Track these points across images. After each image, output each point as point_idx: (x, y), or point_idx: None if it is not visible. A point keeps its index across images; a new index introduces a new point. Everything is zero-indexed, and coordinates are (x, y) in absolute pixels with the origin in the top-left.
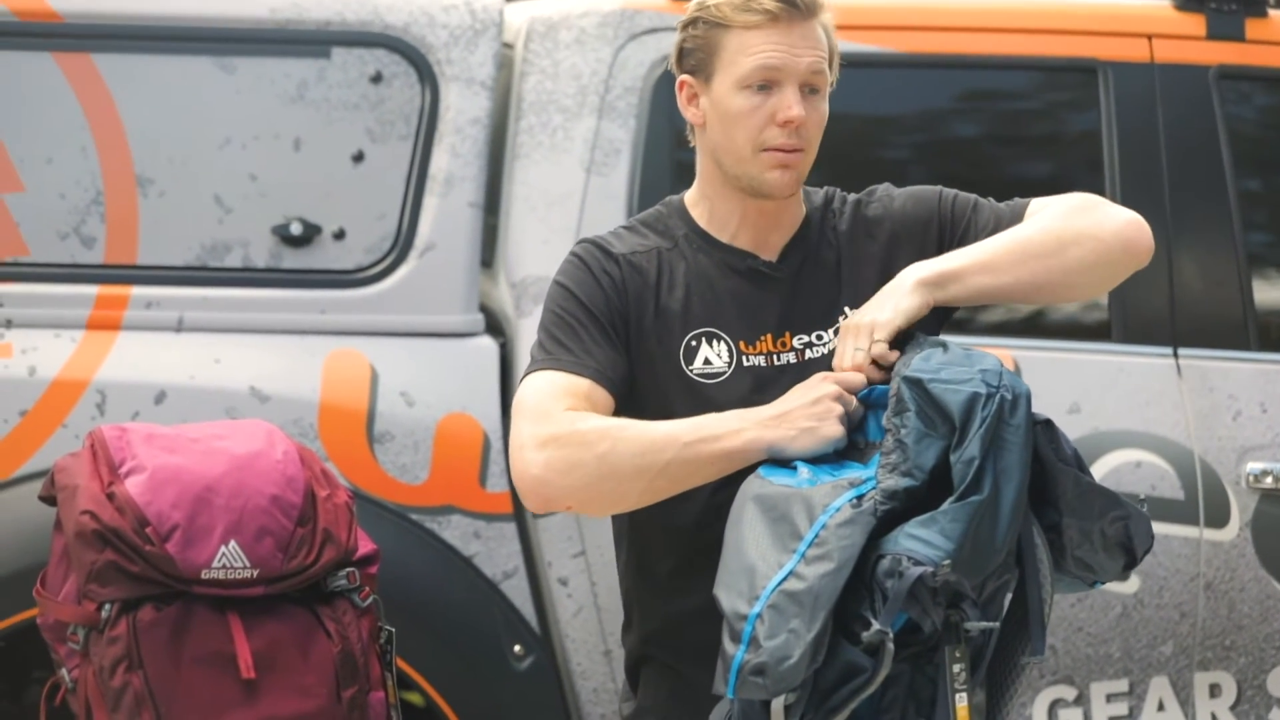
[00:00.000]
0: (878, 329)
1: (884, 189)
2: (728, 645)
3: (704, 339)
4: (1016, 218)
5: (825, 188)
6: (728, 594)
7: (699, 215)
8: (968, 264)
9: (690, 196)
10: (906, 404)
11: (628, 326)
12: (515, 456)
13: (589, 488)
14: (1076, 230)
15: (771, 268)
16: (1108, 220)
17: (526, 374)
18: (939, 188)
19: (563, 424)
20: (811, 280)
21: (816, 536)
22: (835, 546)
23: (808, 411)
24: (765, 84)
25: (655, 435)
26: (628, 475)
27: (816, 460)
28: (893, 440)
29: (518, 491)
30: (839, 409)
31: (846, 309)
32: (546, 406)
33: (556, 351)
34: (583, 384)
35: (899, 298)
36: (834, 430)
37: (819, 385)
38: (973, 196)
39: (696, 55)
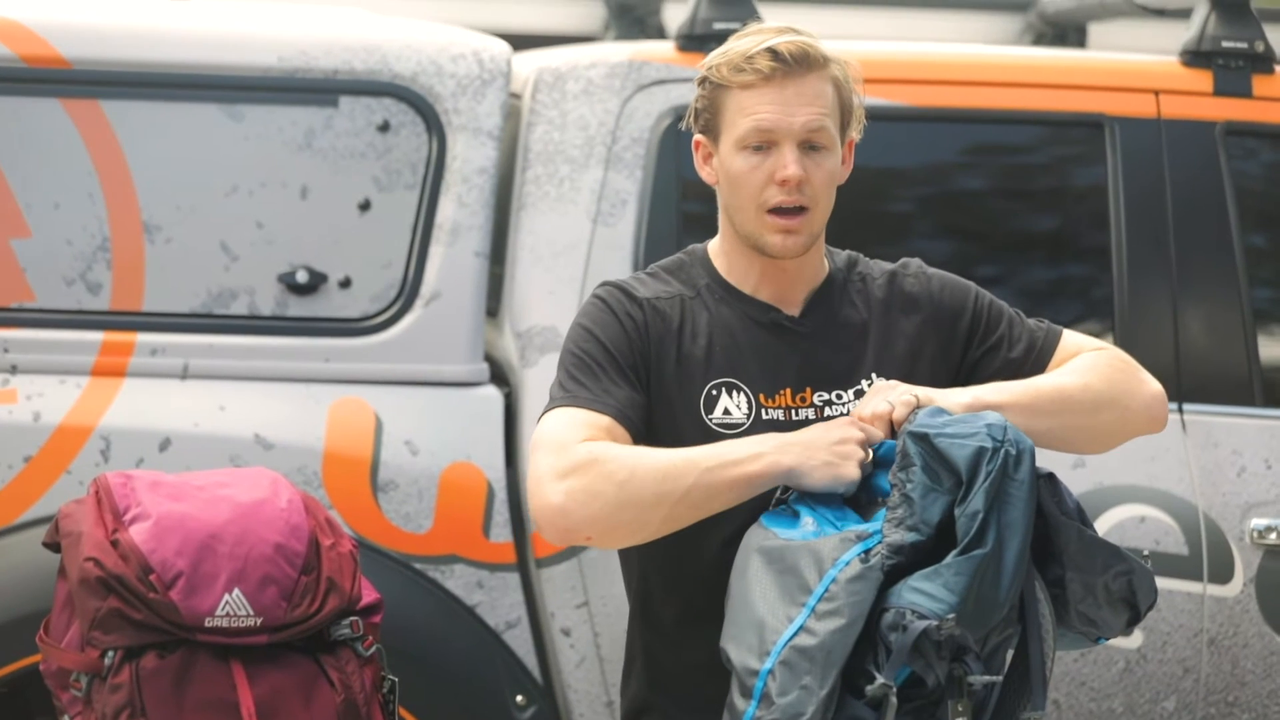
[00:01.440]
0: (910, 395)
1: (917, 264)
2: (738, 700)
3: (724, 389)
4: (1049, 346)
5: (848, 251)
6: (737, 648)
7: (721, 266)
8: (1009, 400)
9: (713, 247)
10: (912, 459)
11: (649, 369)
12: (534, 489)
13: (609, 517)
14: (1112, 395)
15: (794, 322)
16: (1140, 391)
17: (545, 411)
18: (972, 284)
19: (582, 455)
20: (834, 338)
21: (826, 591)
22: (846, 602)
23: (831, 448)
24: (762, 144)
25: (675, 461)
26: (648, 503)
27: (818, 505)
28: (899, 495)
29: (537, 523)
30: (860, 454)
31: (873, 375)
32: (565, 440)
33: (575, 390)
34: (602, 420)
35: (941, 395)
36: (851, 472)
37: (845, 427)
38: (1004, 306)
39: (705, 115)
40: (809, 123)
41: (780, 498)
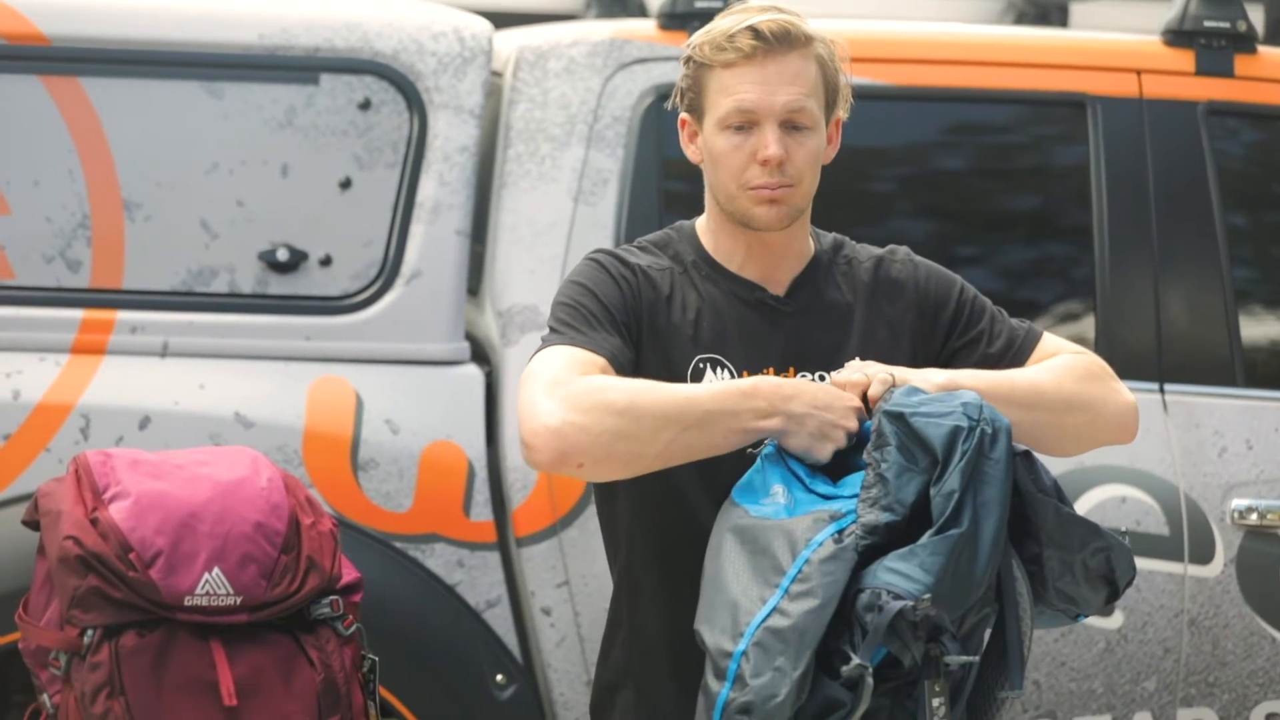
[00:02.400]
0: (886, 374)
1: (905, 252)
2: (712, 682)
3: (710, 364)
4: (1028, 345)
5: (833, 233)
6: (710, 630)
7: (708, 243)
8: (984, 386)
9: (701, 224)
10: (887, 438)
11: (639, 330)
12: (528, 412)
13: (606, 446)
14: (1085, 399)
15: (779, 302)
16: (1112, 400)
17: (537, 352)
18: (957, 277)
19: (579, 383)
20: (818, 319)
21: (800, 572)
22: (819, 583)
23: (822, 424)
24: (743, 124)
25: (677, 399)
26: (645, 437)
27: (790, 460)
28: (873, 474)
29: (528, 446)
30: (841, 441)
31: (856, 359)
32: (562, 373)
33: (568, 333)
34: (597, 359)
35: (916, 374)
36: (826, 452)
37: (845, 409)
38: (987, 302)
39: (689, 95)
40: (790, 102)
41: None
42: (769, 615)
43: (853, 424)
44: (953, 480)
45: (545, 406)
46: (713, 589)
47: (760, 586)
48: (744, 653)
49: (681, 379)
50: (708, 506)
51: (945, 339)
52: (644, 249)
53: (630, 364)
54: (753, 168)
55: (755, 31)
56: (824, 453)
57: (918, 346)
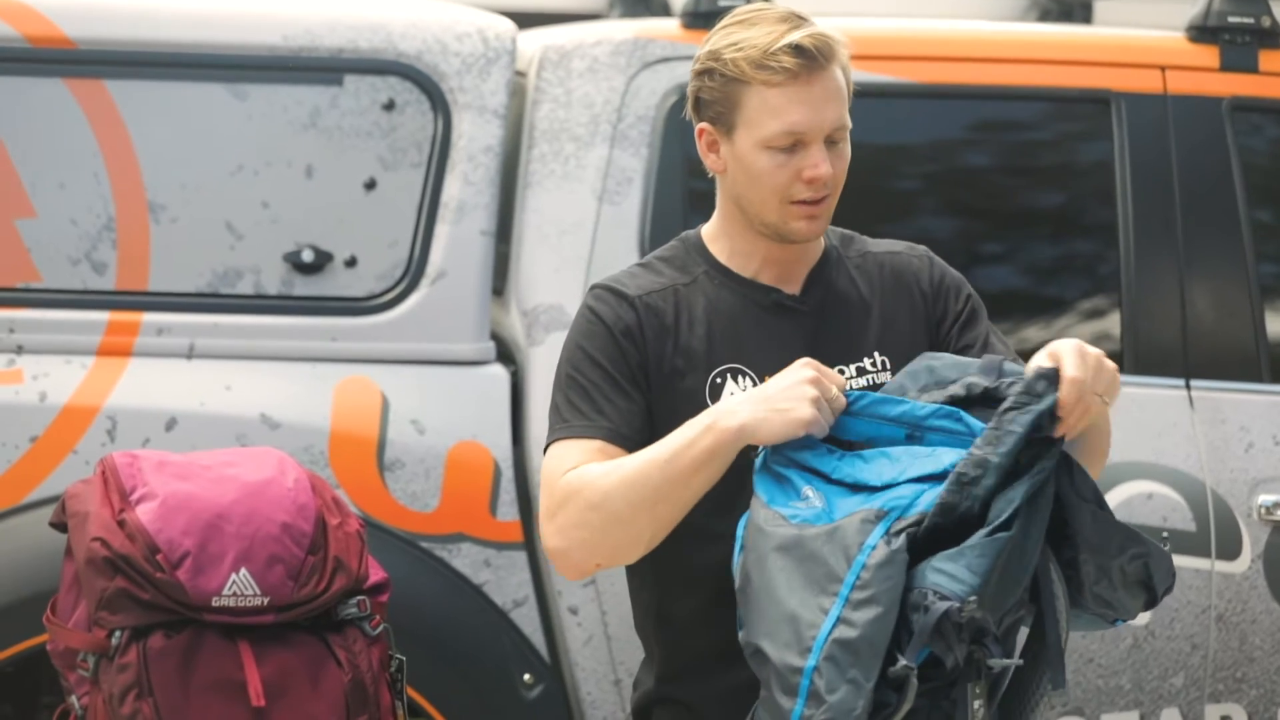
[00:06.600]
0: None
1: (924, 250)
2: (781, 699)
3: (729, 375)
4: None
5: (840, 228)
6: (773, 644)
7: (719, 251)
8: None
9: (709, 232)
10: (1034, 402)
11: (648, 373)
12: (542, 533)
13: (601, 541)
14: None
15: (796, 301)
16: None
17: (547, 445)
18: (973, 294)
19: (562, 489)
20: (835, 314)
21: (858, 579)
22: (880, 589)
23: (783, 394)
24: (792, 144)
25: (638, 466)
26: (628, 517)
27: (805, 468)
28: (994, 432)
29: (556, 568)
30: (814, 393)
31: (875, 354)
32: (552, 475)
33: (571, 417)
34: (594, 444)
35: None
36: (806, 412)
37: (796, 370)
38: (986, 322)
39: (715, 107)
40: (837, 120)
41: (751, 458)
42: (835, 626)
43: (810, 373)
44: (1018, 490)
45: (545, 529)
46: (766, 601)
47: (818, 596)
48: (816, 668)
49: (700, 400)
50: (729, 528)
51: (948, 345)
52: (647, 266)
53: (638, 419)
54: (797, 184)
55: (799, 49)
56: (802, 413)
57: (931, 339)
